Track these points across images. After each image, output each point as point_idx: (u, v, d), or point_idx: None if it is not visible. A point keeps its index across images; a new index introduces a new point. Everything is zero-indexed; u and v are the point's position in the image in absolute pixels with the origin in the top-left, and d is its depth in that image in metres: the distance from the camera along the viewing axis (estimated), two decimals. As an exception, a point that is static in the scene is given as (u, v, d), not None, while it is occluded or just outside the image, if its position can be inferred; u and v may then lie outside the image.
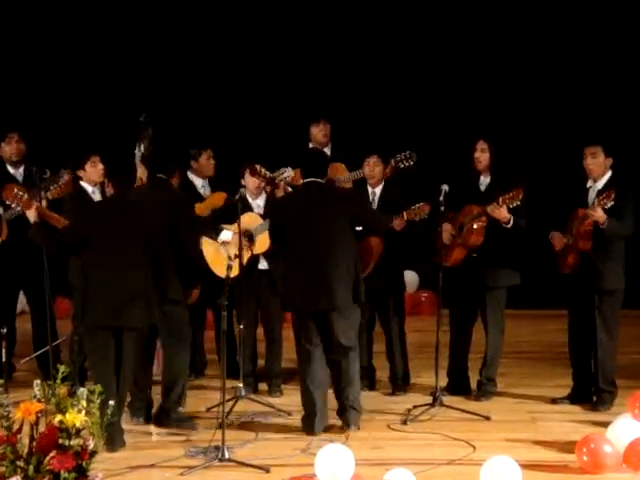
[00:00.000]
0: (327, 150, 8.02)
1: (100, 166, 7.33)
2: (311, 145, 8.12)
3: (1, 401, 4.88)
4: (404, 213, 7.08)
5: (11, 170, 7.83)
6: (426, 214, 7.07)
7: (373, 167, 7.37)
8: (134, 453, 6.12)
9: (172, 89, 10.40)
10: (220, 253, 7.26)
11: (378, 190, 7.39)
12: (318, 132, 8.11)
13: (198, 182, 7.93)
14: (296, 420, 6.71)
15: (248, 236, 7.24)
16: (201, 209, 7.60)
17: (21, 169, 7.86)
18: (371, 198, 7.37)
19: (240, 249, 6.94)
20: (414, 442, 6.35)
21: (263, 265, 7.37)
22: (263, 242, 7.20)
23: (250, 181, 7.38)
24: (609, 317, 6.93)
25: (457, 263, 7.14)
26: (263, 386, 7.54)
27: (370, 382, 7.52)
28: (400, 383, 7.44)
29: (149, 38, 10.44)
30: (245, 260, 7.06)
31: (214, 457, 5.92)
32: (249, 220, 7.25)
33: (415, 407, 6.91)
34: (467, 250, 7.11)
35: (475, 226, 7.03)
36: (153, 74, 10.41)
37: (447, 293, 7.00)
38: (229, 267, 6.50)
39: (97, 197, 7.39)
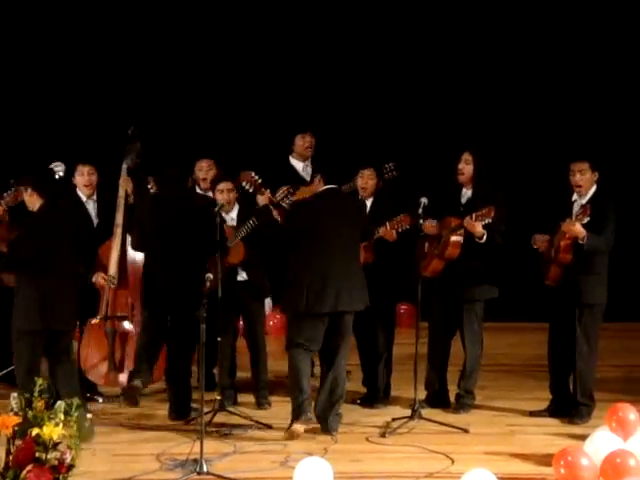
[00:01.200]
0: (308, 163, 8.09)
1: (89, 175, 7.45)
2: (292, 156, 8.14)
3: (-23, 415, 4.87)
4: (387, 224, 7.12)
5: None
6: (407, 225, 7.09)
7: (367, 180, 7.39)
8: (111, 466, 6.09)
9: (165, 101, 10.39)
10: None
11: (369, 202, 7.40)
12: (302, 143, 8.13)
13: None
14: (275, 433, 6.71)
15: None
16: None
17: None
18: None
19: (218, 261, 6.93)
20: (393, 455, 6.35)
21: (242, 276, 7.36)
22: (237, 252, 7.21)
23: (219, 196, 7.34)
24: (589, 330, 6.96)
25: (435, 274, 7.17)
26: (249, 398, 7.49)
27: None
28: (381, 395, 7.44)
29: (140, 51, 10.41)
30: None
31: (192, 470, 5.90)
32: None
33: (394, 420, 6.92)
34: (444, 262, 7.14)
35: (452, 239, 7.06)
36: (145, 85, 10.39)
37: (426, 305, 7.03)
38: (207, 278, 6.54)
39: (90, 206, 7.49)
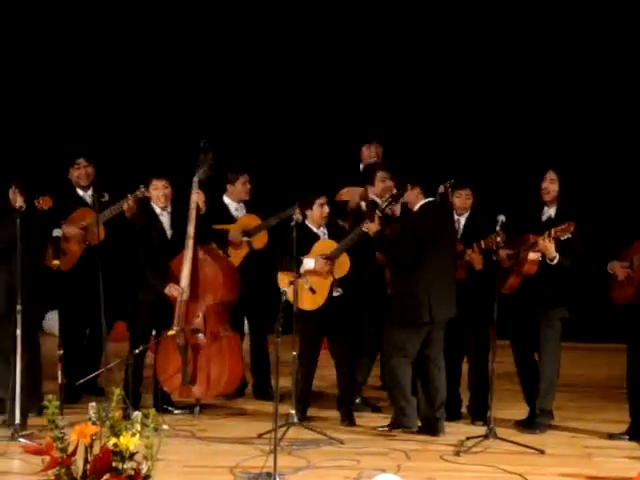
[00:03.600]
0: None
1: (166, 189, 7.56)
2: (362, 166, 8.22)
3: (57, 423, 4.90)
4: (482, 242, 7.09)
5: (80, 192, 8.04)
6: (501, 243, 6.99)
7: (465, 199, 7.36)
8: (185, 478, 6.12)
9: (236, 114, 10.46)
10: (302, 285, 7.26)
11: (463, 219, 7.37)
12: (368, 153, 8.24)
13: (232, 205, 8.07)
14: (348, 449, 6.68)
15: (329, 260, 7.23)
16: (233, 230, 7.90)
17: (89, 192, 8.02)
18: (457, 226, 7.34)
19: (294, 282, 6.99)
20: (467, 474, 6.28)
21: (337, 291, 7.30)
22: (343, 264, 7.21)
23: (318, 211, 7.34)
24: None
25: (512, 291, 7.09)
26: (321, 412, 7.49)
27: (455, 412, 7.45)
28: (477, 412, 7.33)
29: (212, 65, 10.51)
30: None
31: (266, 484, 5.91)
32: (324, 246, 7.26)
33: (468, 438, 6.84)
34: (522, 278, 7.06)
35: (530, 256, 6.98)
36: (218, 98, 10.48)
37: (506, 323, 6.97)
38: (283, 293, 6.57)
39: (164, 219, 7.57)
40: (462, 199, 7.37)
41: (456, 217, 7.36)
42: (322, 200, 7.32)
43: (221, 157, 7.71)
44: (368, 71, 10.39)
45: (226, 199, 8.11)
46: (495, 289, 6.87)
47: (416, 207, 7.09)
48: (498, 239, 6.90)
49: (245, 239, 7.92)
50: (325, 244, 7.29)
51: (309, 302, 7.19)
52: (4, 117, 10.45)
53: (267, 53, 10.48)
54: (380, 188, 7.68)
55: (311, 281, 7.20)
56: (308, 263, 7.24)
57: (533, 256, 6.98)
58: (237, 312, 7.88)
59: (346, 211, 7.82)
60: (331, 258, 7.20)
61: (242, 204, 8.09)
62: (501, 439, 6.78)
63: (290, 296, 6.85)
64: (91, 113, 10.48)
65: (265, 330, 7.98)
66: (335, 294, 7.26)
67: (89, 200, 7.95)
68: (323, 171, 9.15)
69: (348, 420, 7.32)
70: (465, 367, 7.49)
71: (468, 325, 7.28)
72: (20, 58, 10.50)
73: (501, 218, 6.93)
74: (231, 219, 8.03)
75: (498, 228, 6.91)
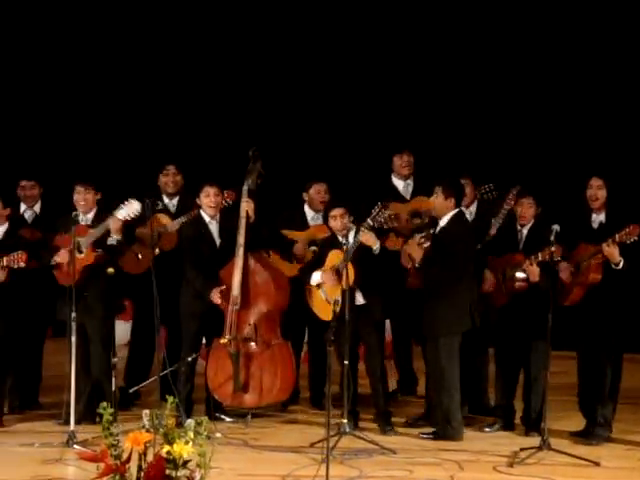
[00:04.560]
0: (409, 181, 8.24)
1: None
2: (393, 176, 8.25)
3: (111, 430, 4.93)
4: (539, 254, 6.98)
5: (166, 200, 8.07)
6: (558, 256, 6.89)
7: (527, 209, 7.29)
8: (237, 486, 6.14)
9: (285, 122, 10.53)
10: (320, 297, 7.34)
11: (526, 230, 7.31)
12: (400, 163, 8.24)
13: (309, 214, 8.12)
14: (401, 458, 6.65)
15: (335, 271, 7.22)
16: (301, 238, 7.94)
17: (175, 200, 8.09)
18: (519, 237, 7.30)
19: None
20: (521, 486, 6.23)
21: (359, 301, 7.31)
22: (349, 276, 7.15)
23: (333, 222, 7.35)
24: None
25: (574, 302, 7.01)
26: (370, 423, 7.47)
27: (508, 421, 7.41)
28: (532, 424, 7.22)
29: (261, 73, 10.60)
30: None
31: (318, 493, 5.90)
32: (335, 256, 7.26)
33: (522, 450, 6.76)
34: (585, 289, 6.98)
35: (593, 263, 6.89)
36: (266, 107, 10.56)
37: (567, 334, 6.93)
38: (336, 302, 6.59)
39: (213, 227, 7.59)
40: (524, 208, 7.29)
41: (519, 227, 7.30)
42: (335, 212, 7.32)
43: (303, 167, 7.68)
44: (402, 80, 10.43)
45: (306, 207, 8.15)
46: (551, 300, 6.78)
47: (448, 217, 7.14)
48: (553, 249, 6.83)
49: (312, 249, 7.88)
50: (336, 254, 7.26)
51: (326, 313, 7.11)
52: (95, 121, 10.68)
53: (314, 64, 10.56)
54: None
55: (328, 292, 7.25)
56: (315, 277, 7.33)
57: (596, 263, 6.89)
58: (299, 322, 7.89)
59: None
60: (337, 270, 7.17)
61: (320, 214, 8.04)
62: (555, 450, 6.70)
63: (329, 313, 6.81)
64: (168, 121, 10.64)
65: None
66: (357, 303, 7.23)
67: (172, 208, 8.01)
68: (350, 182, 9.12)
69: (388, 427, 7.31)
70: (521, 378, 7.42)
71: (525, 336, 7.22)
72: (105, 66, 10.73)
73: (555, 228, 6.84)
74: (306, 226, 8.07)
75: (552, 238, 6.83)
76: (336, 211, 7.35)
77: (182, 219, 7.78)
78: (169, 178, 8.09)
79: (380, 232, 7.36)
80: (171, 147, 10.24)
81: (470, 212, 7.74)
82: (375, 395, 7.43)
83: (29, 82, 10.69)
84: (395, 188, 8.26)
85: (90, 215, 7.49)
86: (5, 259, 7.14)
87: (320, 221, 8.07)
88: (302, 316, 7.83)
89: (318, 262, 7.41)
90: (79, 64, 10.69)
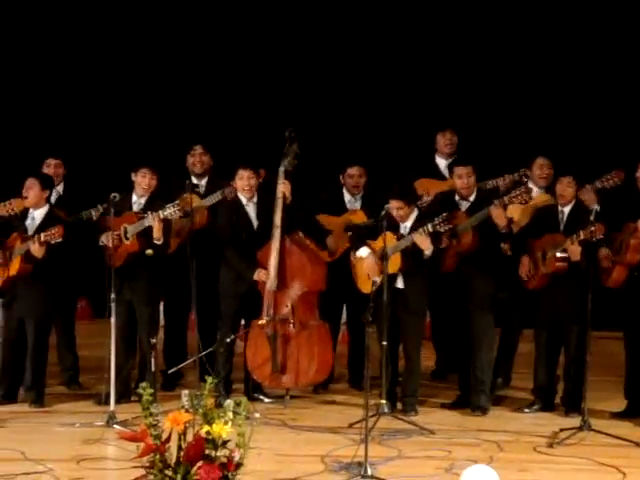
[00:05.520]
0: (451, 161, 8.12)
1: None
2: (437, 156, 8.27)
3: (151, 410, 4.96)
4: (580, 232, 6.91)
5: (195, 181, 8.03)
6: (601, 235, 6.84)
7: (565, 187, 7.23)
8: (276, 466, 6.14)
9: (321, 103, 10.48)
10: (363, 269, 7.29)
11: (567, 209, 7.25)
12: (443, 141, 8.25)
13: (346, 197, 8.06)
14: (439, 439, 6.64)
15: (382, 256, 7.17)
16: (337, 222, 7.89)
17: (204, 181, 8.08)
18: (560, 217, 7.25)
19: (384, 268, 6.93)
20: (561, 466, 6.17)
21: (400, 284, 7.27)
22: (394, 262, 7.13)
23: (402, 212, 7.24)
24: None
25: (618, 284, 6.97)
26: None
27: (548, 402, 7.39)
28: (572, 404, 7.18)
29: (298, 54, 10.57)
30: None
31: (357, 473, 5.88)
32: (388, 239, 7.11)
33: (562, 430, 6.73)
34: (627, 269, 6.92)
35: (632, 242, 6.83)
36: (303, 88, 10.53)
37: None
38: (374, 283, 6.56)
39: (250, 209, 7.57)
40: (563, 187, 7.23)
41: (560, 208, 7.24)
42: (395, 204, 7.18)
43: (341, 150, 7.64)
44: (447, 60, 10.37)
45: (344, 191, 8.09)
46: (590, 281, 6.73)
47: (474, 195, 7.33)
48: (593, 228, 6.76)
49: (349, 233, 7.84)
50: (390, 237, 7.16)
51: (365, 285, 7.12)
52: (123, 104, 10.68)
53: (354, 43, 10.48)
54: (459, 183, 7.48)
55: (369, 269, 7.18)
56: (362, 252, 7.26)
57: (635, 241, 6.83)
58: (336, 301, 7.88)
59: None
60: (383, 256, 7.08)
61: (358, 197, 8.00)
62: (596, 431, 6.66)
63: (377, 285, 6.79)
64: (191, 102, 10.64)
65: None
66: (398, 286, 7.20)
67: (201, 189, 7.97)
68: (397, 162, 9.07)
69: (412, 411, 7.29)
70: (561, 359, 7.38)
71: (565, 317, 7.17)
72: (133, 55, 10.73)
73: (595, 208, 6.80)
74: (343, 210, 8.02)
75: (592, 218, 6.77)
76: (394, 203, 7.23)
77: (212, 198, 7.79)
78: (196, 158, 8.07)
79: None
80: (203, 128, 10.25)
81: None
82: (405, 377, 7.41)
83: (58, 63, 10.70)
84: (437, 166, 8.27)
85: (143, 200, 7.53)
86: (43, 235, 7.15)
87: (357, 205, 8.03)
88: (339, 297, 7.82)
89: (373, 232, 7.21)
90: (109, 44, 10.68)
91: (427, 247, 7.08)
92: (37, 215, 7.42)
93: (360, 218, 7.89)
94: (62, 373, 8.04)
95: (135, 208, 7.49)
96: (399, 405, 7.36)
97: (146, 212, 7.39)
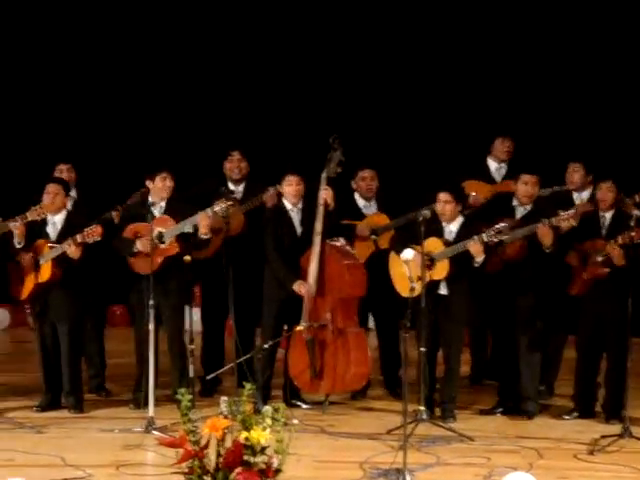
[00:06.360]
0: (503, 165, 8.31)
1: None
2: (490, 157, 8.32)
3: (190, 416, 4.98)
4: (619, 237, 6.86)
5: (231, 187, 8.05)
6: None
7: (606, 192, 7.18)
8: (315, 472, 6.13)
9: (364, 111, 10.50)
10: (404, 272, 7.24)
11: (609, 215, 7.20)
12: (502, 147, 8.31)
13: (360, 202, 8.05)
14: (478, 446, 6.60)
15: (429, 260, 7.15)
16: (361, 226, 7.90)
17: (241, 187, 8.08)
18: (602, 222, 7.20)
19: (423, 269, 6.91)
20: (601, 474, 6.12)
21: (443, 291, 7.24)
22: (442, 268, 7.11)
23: (448, 207, 7.23)
24: None
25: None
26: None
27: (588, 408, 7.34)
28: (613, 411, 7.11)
29: (341, 63, 10.60)
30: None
31: (395, 480, 5.88)
32: (432, 244, 7.16)
33: (603, 437, 6.67)
34: None
35: None
36: (347, 95, 10.56)
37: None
38: (412, 289, 6.53)
39: (294, 215, 7.58)
40: (603, 192, 7.17)
41: (601, 213, 7.18)
42: (442, 197, 7.18)
43: (352, 154, 7.67)
44: (503, 65, 10.38)
45: (356, 195, 8.08)
46: (631, 286, 6.68)
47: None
48: (633, 233, 6.70)
49: (373, 237, 7.87)
50: (435, 243, 7.17)
51: (403, 288, 7.04)
52: (161, 108, 10.73)
53: (397, 50, 10.52)
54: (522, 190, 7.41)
55: (412, 272, 6.92)
56: (407, 253, 7.00)
57: None
58: (362, 308, 7.86)
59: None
60: (431, 260, 7.07)
61: (373, 201, 8.03)
62: (637, 438, 6.61)
63: (418, 291, 6.78)
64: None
65: (393, 326, 7.92)
66: (441, 292, 7.16)
67: (238, 195, 7.96)
68: (449, 165, 9.06)
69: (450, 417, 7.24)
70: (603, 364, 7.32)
71: (607, 322, 7.11)
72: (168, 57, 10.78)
73: (635, 213, 6.78)
74: (359, 216, 8.01)
75: (632, 224, 6.73)
76: (443, 195, 7.23)
77: (249, 204, 7.80)
78: (234, 164, 8.07)
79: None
80: (242, 134, 10.24)
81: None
82: (443, 383, 7.38)
83: (79, 64, 10.74)
84: (487, 168, 8.32)
85: (163, 203, 7.54)
86: (79, 236, 7.09)
87: (373, 209, 8.02)
88: (365, 303, 7.79)
89: (414, 236, 7.10)
90: (135, 45, 10.72)
91: (479, 254, 7.04)
92: (57, 220, 7.41)
93: (384, 221, 7.89)
94: (90, 380, 8.04)
95: (156, 213, 7.45)
96: (437, 411, 7.33)
97: (152, 218, 7.30)
